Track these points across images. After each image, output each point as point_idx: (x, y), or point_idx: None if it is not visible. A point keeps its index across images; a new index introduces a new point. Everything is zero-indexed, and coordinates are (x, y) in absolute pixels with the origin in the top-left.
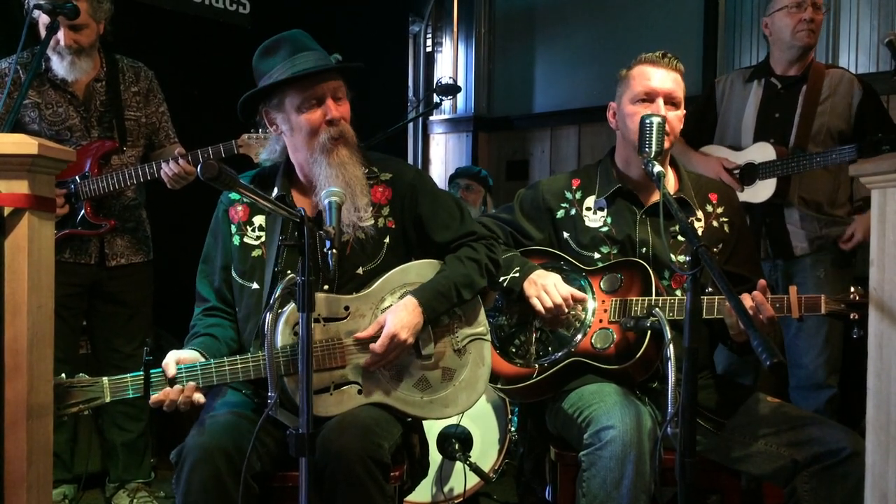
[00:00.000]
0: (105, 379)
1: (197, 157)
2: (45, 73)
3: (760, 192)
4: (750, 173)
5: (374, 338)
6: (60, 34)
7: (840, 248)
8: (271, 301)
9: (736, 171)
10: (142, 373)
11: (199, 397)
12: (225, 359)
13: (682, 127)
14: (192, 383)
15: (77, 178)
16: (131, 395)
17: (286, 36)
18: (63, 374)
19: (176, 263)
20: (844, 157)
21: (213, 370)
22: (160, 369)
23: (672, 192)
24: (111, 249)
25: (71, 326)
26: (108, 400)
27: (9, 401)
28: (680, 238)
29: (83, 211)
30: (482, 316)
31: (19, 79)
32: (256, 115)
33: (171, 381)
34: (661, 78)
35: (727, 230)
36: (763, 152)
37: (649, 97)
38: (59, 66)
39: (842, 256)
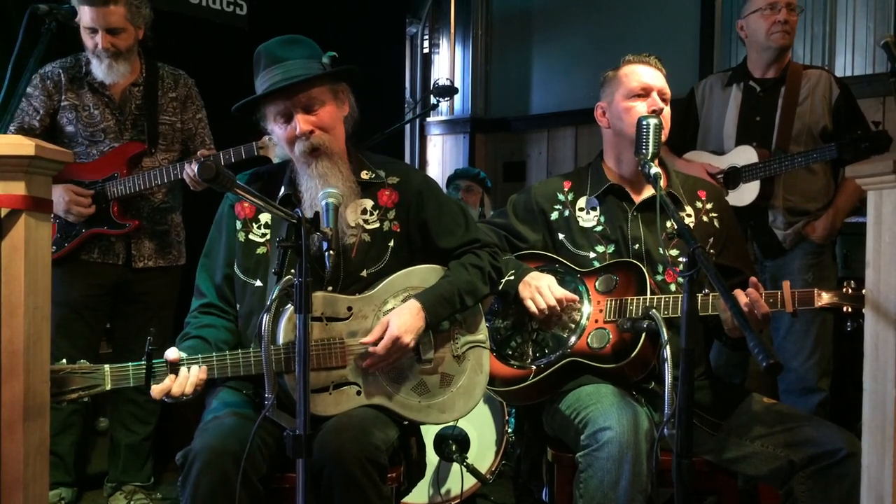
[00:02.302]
0: (106, 366)
1: (219, 159)
2: (84, 76)
3: (745, 195)
4: (734, 177)
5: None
6: (98, 38)
7: (813, 240)
8: (268, 302)
9: (720, 176)
10: (144, 362)
11: (199, 391)
12: (227, 352)
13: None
14: (204, 366)
15: (106, 178)
16: (132, 384)
17: (261, 49)
18: (64, 360)
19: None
20: (825, 156)
21: (215, 363)
22: (163, 360)
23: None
24: (138, 251)
25: (92, 328)
26: (108, 388)
27: (5, 402)
28: (673, 233)
29: (110, 211)
30: (482, 324)
31: (60, 81)
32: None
33: (175, 367)
34: (652, 75)
35: (717, 225)
36: (745, 155)
37: (645, 91)
38: (98, 70)
39: (829, 259)
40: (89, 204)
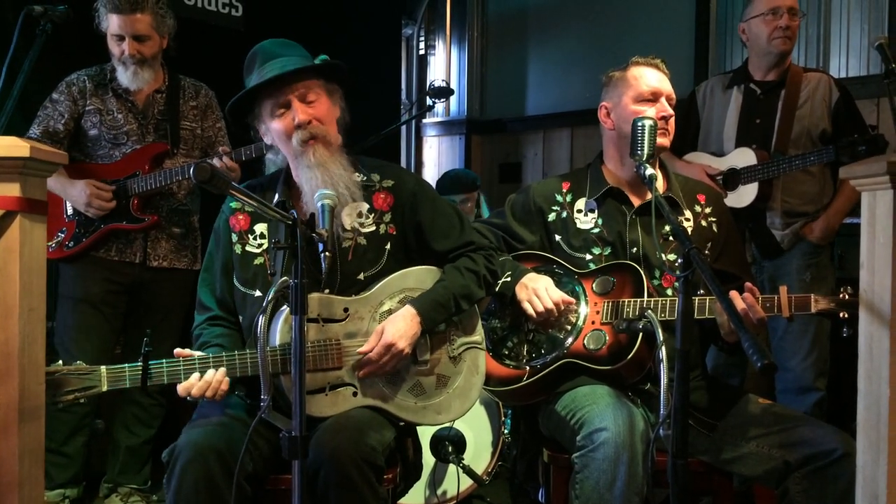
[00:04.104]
0: (103, 368)
1: (240, 155)
2: (109, 82)
3: (743, 196)
4: (732, 179)
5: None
6: (125, 45)
7: (810, 241)
8: (264, 304)
9: (719, 178)
10: (140, 363)
11: (224, 386)
12: (223, 354)
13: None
14: (222, 369)
15: (128, 176)
16: (128, 385)
17: (257, 48)
18: (60, 361)
19: None
20: (822, 159)
21: (211, 365)
22: (160, 361)
23: (661, 193)
24: (154, 250)
25: (111, 325)
26: (104, 389)
27: (0, 403)
28: (670, 238)
29: (130, 206)
30: (479, 325)
31: (85, 88)
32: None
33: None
34: (661, 79)
35: (715, 230)
36: (744, 157)
37: (655, 96)
38: (123, 76)
39: (827, 260)
40: (110, 198)
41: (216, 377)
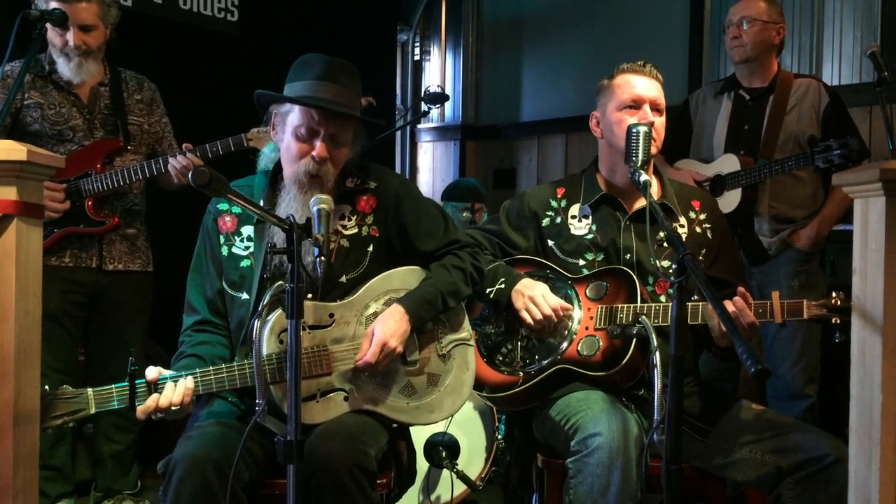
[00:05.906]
0: (90, 390)
1: (206, 151)
2: (48, 74)
3: (729, 202)
4: (719, 185)
5: None
6: (69, 35)
7: (798, 248)
8: (259, 308)
9: (706, 184)
10: (127, 383)
11: (187, 402)
12: (210, 368)
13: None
14: (191, 377)
15: (79, 175)
16: (116, 406)
17: (326, 58)
18: (46, 387)
19: (172, 275)
20: (800, 163)
21: (199, 379)
22: (145, 380)
23: (655, 199)
24: (109, 253)
25: (73, 336)
26: (93, 411)
27: None
28: (664, 245)
29: (85, 208)
30: (466, 321)
31: (22, 82)
32: (265, 113)
33: (154, 386)
34: (646, 85)
35: (710, 236)
36: (729, 163)
37: (636, 104)
38: (66, 68)
39: (816, 267)
40: (63, 199)
41: (176, 391)
